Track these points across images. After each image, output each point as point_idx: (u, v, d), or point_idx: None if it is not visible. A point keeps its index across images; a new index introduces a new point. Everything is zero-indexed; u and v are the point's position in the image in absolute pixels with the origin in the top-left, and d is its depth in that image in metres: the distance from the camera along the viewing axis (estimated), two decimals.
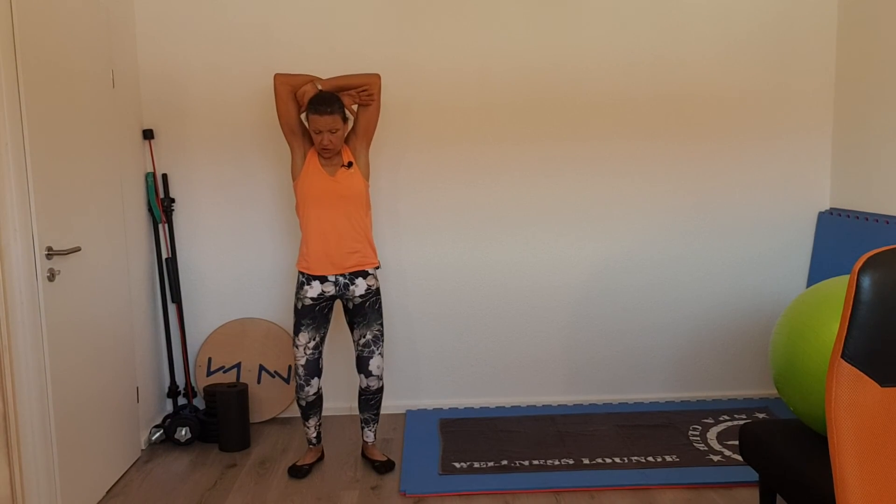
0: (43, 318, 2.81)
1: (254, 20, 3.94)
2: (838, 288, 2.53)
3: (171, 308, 4.05)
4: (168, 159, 4.00)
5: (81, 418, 3.09)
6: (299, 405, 3.47)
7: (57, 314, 2.91)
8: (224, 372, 4.06)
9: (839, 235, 3.97)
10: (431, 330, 4.18)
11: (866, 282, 1.41)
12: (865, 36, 3.84)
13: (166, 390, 4.10)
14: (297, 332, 3.38)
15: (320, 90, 3.30)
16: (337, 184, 3.31)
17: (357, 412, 4.15)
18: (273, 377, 4.08)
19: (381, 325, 3.44)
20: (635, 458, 3.51)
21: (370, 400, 3.50)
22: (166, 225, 4.00)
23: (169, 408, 4.11)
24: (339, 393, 4.19)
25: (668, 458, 3.49)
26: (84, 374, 3.12)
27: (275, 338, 4.09)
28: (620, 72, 4.05)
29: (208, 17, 3.93)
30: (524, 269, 4.16)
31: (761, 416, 3.97)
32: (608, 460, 3.49)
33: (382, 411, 4.12)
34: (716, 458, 3.50)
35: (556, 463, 3.47)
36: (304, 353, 3.38)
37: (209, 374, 4.06)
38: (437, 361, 4.21)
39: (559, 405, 4.20)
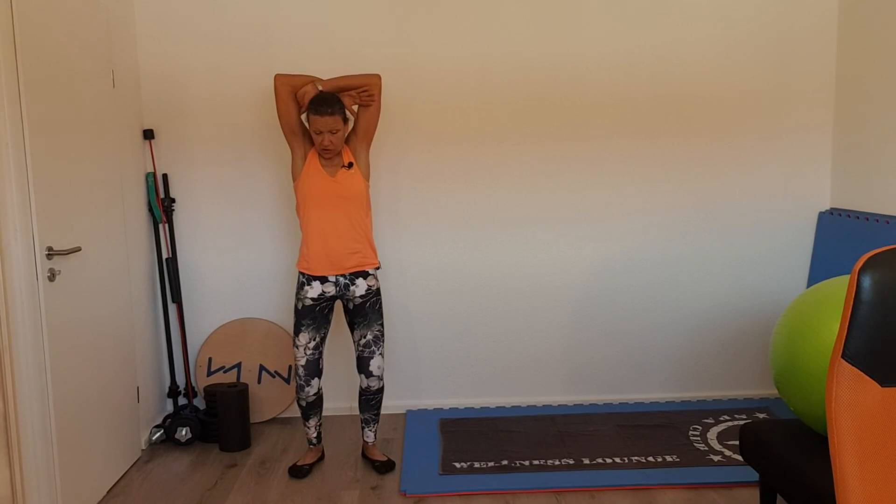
0: (43, 318, 2.81)
1: (254, 20, 3.94)
2: (838, 288, 2.53)
3: (172, 308, 4.05)
4: (168, 159, 4.00)
5: (82, 418, 3.09)
6: (299, 405, 3.47)
7: (57, 314, 2.91)
8: (224, 372, 4.06)
9: (839, 235, 3.97)
10: (432, 330, 4.18)
11: (867, 282, 1.41)
12: (866, 36, 3.84)
13: (167, 390, 4.10)
14: (297, 332, 3.38)
15: (321, 91, 3.30)
16: (337, 184, 3.31)
17: (357, 412, 4.16)
18: (273, 377, 4.08)
19: (382, 325, 3.44)
20: (636, 458, 3.51)
21: (371, 400, 3.50)
22: (167, 225, 4.00)
23: (169, 408, 4.11)
24: (339, 393, 4.19)
25: (668, 458, 3.49)
26: (84, 373, 3.12)
27: (275, 338, 4.09)
28: (620, 72, 4.05)
29: (208, 17, 3.93)
30: (524, 269, 4.16)
31: (762, 416, 3.97)
32: (608, 460, 3.49)
33: (383, 411, 4.12)
34: (716, 458, 3.50)
35: (557, 463, 3.47)
36: (305, 353, 3.38)
37: (209, 374, 4.06)
38: (437, 361, 4.21)
39: (559, 405, 4.20)
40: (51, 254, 2.86)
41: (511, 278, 4.16)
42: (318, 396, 3.47)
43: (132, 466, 3.60)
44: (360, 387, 3.50)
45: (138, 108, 3.91)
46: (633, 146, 4.10)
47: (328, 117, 3.20)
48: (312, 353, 3.38)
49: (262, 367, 4.07)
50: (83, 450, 3.10)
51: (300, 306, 3.37)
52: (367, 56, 3.97)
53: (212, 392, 3.84)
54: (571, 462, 3.48)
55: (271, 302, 4.12)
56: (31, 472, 2.76)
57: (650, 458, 3.49)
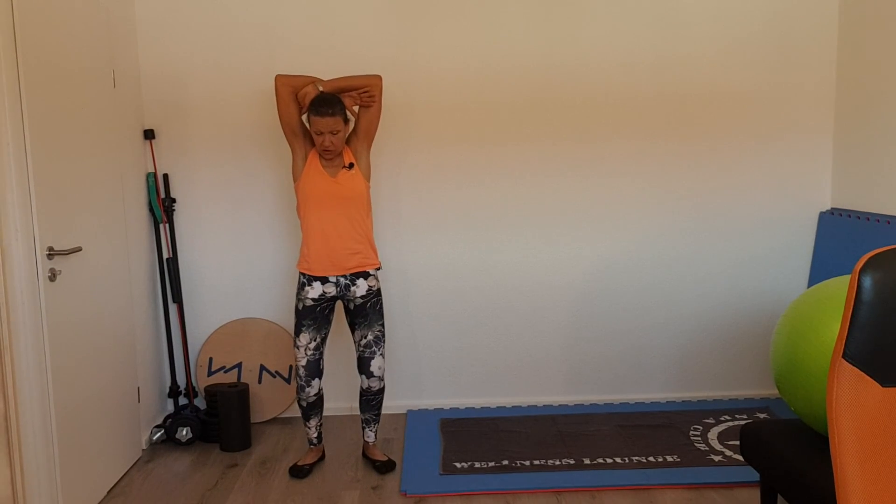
0: (44, 318, 2.81)
1: (255, 20, 3.94)
2: (839, 288, 2.53)
3: (172, 308, 4.06)
4: (169, 159, 4.00)
5: (82, 418, 3.09)
6: (300, 406, 3.47)
7: (58, 314, 2.91)
8: (225, 372, 4.07)
9: (840, 235, 3.97)
10: (432, 330, 4.18)
11: (867, 282, 1.41)
12: (866, 35, 3.84)
13: (167, 390, 4.10)
14: (297, 332, 3.38)
15: (321, 91, 3.30)
16: (338, 185, 3.31)
17: (358, 412, 4.16)
18: (274, 377, 4.08)
19: (382, 325, 3.44)
20: (636, 458, 3.51)
21: (371, 400, 3.50)
22: (167, 225, 4.00)
23: (170, 408, 4.11)
24: (339, 393, 4.19)
25: (668, 459, 3.49)
26: (85, 373, 3.13)
27: (276, 338, 4.09)
28: (621, 72, 4.05)
29: (209, 16, 3.93)
30: (525, 269, 4.16)
31: (762, 416, 3.97)
32: (609, 460, 3.49)
33: (383, 411, 4.12)
34: (717, 458, 3.49)
35: (557, 463, 3.47)
36: (305, 353, 3.38)
37: (210, 373, 4.06)
38: (437, 361, 4.21)
39: (560, 405, 4.20)
40: (51, 254, 2.86)
41: (511, 278, 4.16)
42: (319, 397, 3.47)
43: (133, 466, 3.60)
44: (361, 387, 3.50)
45: (139, 107, 3.91)
46: (634, 146, 4.10)
47: (329, 118, 3.20)
48: (313, 354, 3.38)
49: (262, 367, 4.07)
50: (84, 449, 3.10)
51: (301, 307, 3.37)
52: (368, 56, 3.97)
53: (212, 392, 3.84)
54: (572, 462, 3.48)
55: (272, 302, 4.12)
56: (32, 472, 2.76)
57: (651, 459, 3.49)
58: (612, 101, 4.06)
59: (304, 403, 3.45)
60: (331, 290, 3.36)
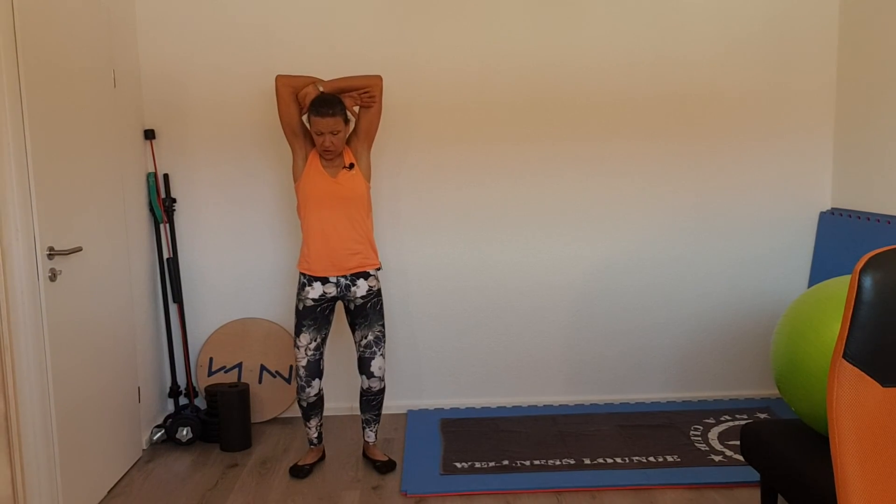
0: (44, 318, 2.81)
1: (255, 20, 3.95)
2: (840, 288, 2.53)
3: (173, 308, 4.06)
4: (169, 159, 4.01)
5: (83, 418, 3.09)
6: (300, 406, 3.47)
7: (58, 314, 2.91)
8: (225, 372, 4.07)
9: (840, 235, 3.97)
10: (432, 330, 4.18)
11: (868, 282, 1.41)
12: (867, 35, 3.84)
13: (168, 390, 4.10)
14: (298, 333, 3.38)
15: (322, 92, 3.30)
16: (338, 185, 3.31)
17: (358, 412, 4.16)
18: (274, 377, 4.08)
19: (383, 325, 3.45)
20: (636, 458, 3.51)
21: (372, 400, 3.50)
22: (167, 225, 4.00)
23: (170, 408, 4.11)
24: (339, 393, 4.19)
25: (669, 459, 3.49)
26: (85, 373, 3.13)
27: (276, 338, 4.09)
28: (620, 72, 4.05)
29: (209, 17, 3.93)
30: (525, 269, 4.16)
31: (763, 416, 3.97)
32: (609, 460, 3.49)
33: (384, 411, 4.12)
34: (717, 458, 3.50)
35: (558, 463, 3.47)
36: (306, 354, 3.38)
37: (210, 373, 4.06)
38: (438, 361, 4.21)
39: (560, 405, 4.20)
40: (52, 254, 2.86)
41: (512, 278, 4.16)
42: (319, 397, 3.47)
43: (133, 466, 3.60)
44: (361, 387, 3.50)
45: (139, 107, 3.91)
46: (634, 146, 4.10)
47: (329, 118, 3.20)
48: (313, 354, 3.38)
49: (262, 367, 4.07)
50: (84, 449, 3.10)
51: (301, 307, 3.37)
52: (368, 56, 3.97)
53: (213, 392, 3.85)
54: (572, 462, 3.48)
55: (272, 302, 4.12)
56: (32, 472, 2.76)
57: (651, 459, 3.49)
58: (612, 101, 4.06)
59: (305, 404, 3.45)
60: (331, 290, 3.36)
